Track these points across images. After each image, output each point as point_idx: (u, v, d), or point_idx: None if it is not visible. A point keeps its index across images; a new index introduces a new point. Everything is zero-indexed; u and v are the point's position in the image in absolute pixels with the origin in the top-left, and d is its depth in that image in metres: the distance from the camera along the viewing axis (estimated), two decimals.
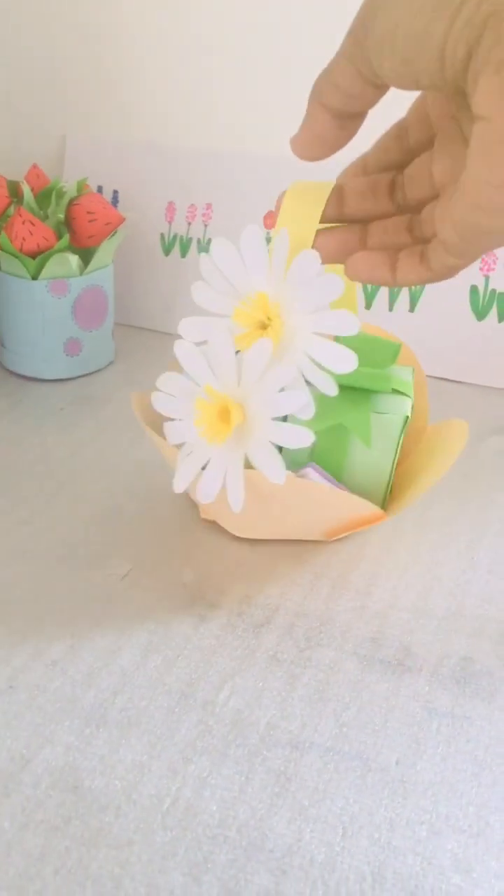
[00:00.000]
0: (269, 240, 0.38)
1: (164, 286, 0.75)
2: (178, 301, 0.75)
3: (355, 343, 0.46)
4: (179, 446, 0.43)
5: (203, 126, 0.73)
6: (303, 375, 0.39)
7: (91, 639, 0.41)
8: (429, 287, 0.68)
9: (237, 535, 0.48)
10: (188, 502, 0.52)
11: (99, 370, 0.69)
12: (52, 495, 0.52)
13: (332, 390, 0.39)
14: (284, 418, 0.42)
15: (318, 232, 0.37)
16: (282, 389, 0.39)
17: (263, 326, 0.40)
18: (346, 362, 0.38)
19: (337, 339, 0.45)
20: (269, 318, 0.40)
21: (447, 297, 0.67)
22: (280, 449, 0.40)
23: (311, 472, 0.45)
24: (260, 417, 0.39)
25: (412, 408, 0.47)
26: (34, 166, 0.67)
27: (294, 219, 0.38)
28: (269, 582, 0.45)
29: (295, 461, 0.47)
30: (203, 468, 0.42)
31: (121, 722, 0.37)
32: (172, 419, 0.43)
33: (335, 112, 0.32)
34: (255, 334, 0.39)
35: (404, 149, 0.37)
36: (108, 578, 0.45)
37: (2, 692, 0.38)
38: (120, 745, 0.36)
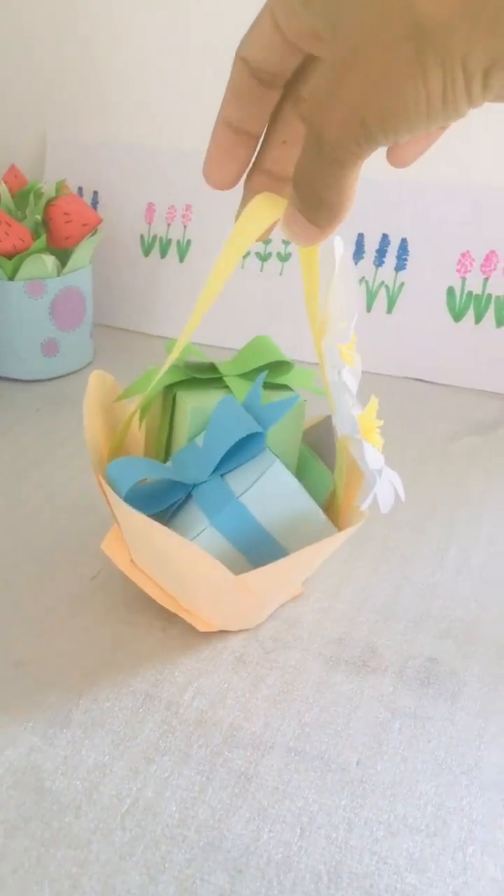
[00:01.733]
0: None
1: (143, 287, 0.76)
2: (157, 302, 0.75)
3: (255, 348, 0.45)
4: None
5: (183, 127, 0.73)
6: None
7: (57, 640, 0.41)
8: (406, 288, 0.68)
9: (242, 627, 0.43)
10: None
11: (77, 370, 0.69)
12: (27, 495, 0.52)
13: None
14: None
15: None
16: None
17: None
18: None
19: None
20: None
21: (424, 298, 0.68)
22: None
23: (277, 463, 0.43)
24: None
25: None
26: (12, 167, 0.67)
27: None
28: None
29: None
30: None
31: (84, 723, 0.37)
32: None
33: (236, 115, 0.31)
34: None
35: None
36: (77, 580, 0.45)
37: None
38: (83, 746, 0.36)
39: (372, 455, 0.37)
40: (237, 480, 0.38)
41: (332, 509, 0.41)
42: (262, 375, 0.40)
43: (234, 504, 0.37)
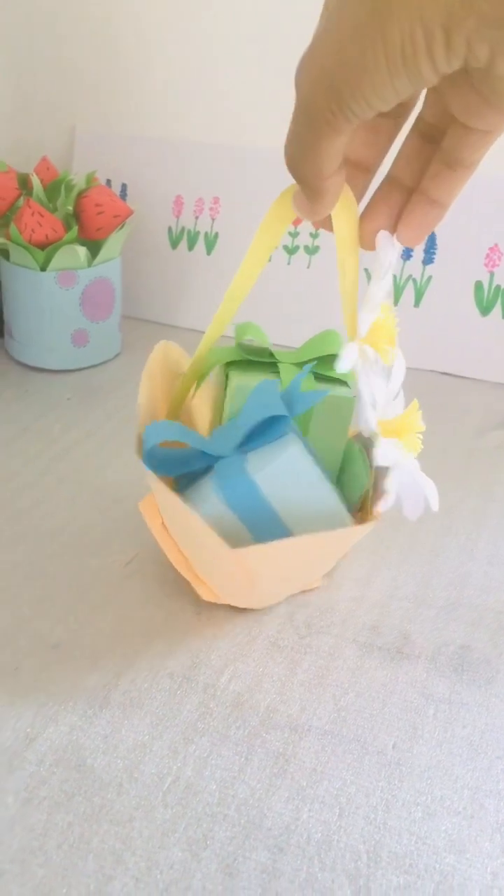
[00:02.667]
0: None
1: (170, 279, 0.76)
2: (185, 294, 0.76)
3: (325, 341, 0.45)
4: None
5: (212, 120, 0.74)
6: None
7: (93, 624, 0.42)
8: (434, 282, 0.68)
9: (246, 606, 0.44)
10: None
11: (105, 362, 0.69)
12: (58, 483, 0.53)
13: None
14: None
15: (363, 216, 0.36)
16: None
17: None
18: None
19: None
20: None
21: (452, 292, 0.68)
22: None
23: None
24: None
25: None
26: (44, 158, 0.67)
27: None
28: None
29: None
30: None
31: (123, 704, 0.37)
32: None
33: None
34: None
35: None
36: (111, 565, 0.46)
37: (7, 673, 0.39)
38: (122, 726, 0.36)
39: (385, 453, 0.36)
40: (256, 458, 0.39)
41: (364, 507, 0.42)
42: (309, 365, 0.41)
43: (244, 478, 0.38)
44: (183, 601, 0.44)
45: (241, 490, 0.38)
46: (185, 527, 0.38)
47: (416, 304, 0.69)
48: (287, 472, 0.38)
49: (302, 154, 0.31)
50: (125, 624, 0.42)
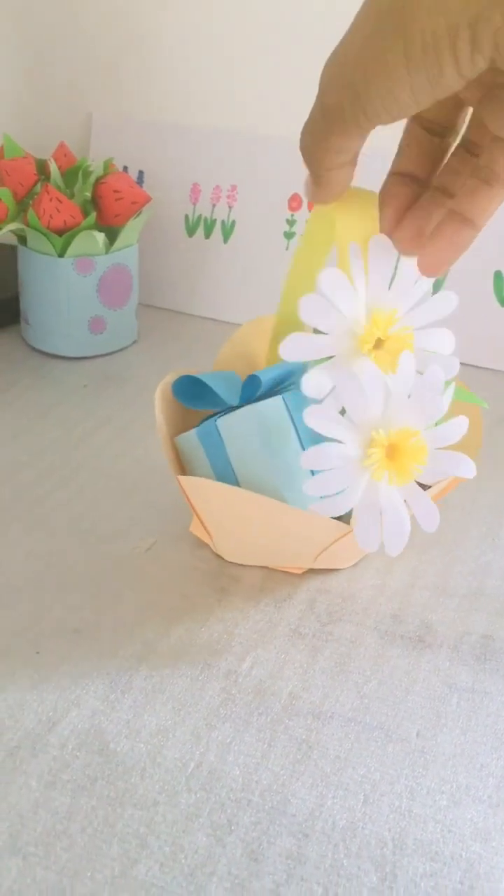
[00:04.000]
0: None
1: (187, 267, 0.76)
2: (201, 282, 0.75)
3: None
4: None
5: (230, 107, 0.73)
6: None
7: (115, 609, 0.42)
8: (452, 273, 0.68)
9: (226, 558, 0.45)
10: None
11: (122, 349, 0.69)
12: (75, 470, 0.53)
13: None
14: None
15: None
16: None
17: (379, 345, 0.36)
18: (453, 367, 0.39)
19: None
20: (383, 333, 0.36)
21: (471, 282, 0.67)
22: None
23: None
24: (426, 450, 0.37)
25: None
26: (62, 144, 0.67)
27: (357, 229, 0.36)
28: None
29: None
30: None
31: (145, 689, 0.37)
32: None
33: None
34: (382, 357, 0.36)
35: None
36: (131, 551, 0.46)
37: (28, 658, 0.39)
38: (145, 711, 0.36)
39: (313, 380, 0.35)
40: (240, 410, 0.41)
41: None
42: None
43: (210, 422, 0.41)
44: (204, 588, 0.43)
45: (209, 431, 0.41)
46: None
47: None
48: (246, 424, 0.40)
49: (312, 144, 0.31)
50: (146, 610, 0.42)
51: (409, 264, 0.36)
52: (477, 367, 0.68)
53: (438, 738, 0.36)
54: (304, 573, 0.44)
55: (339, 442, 0.35)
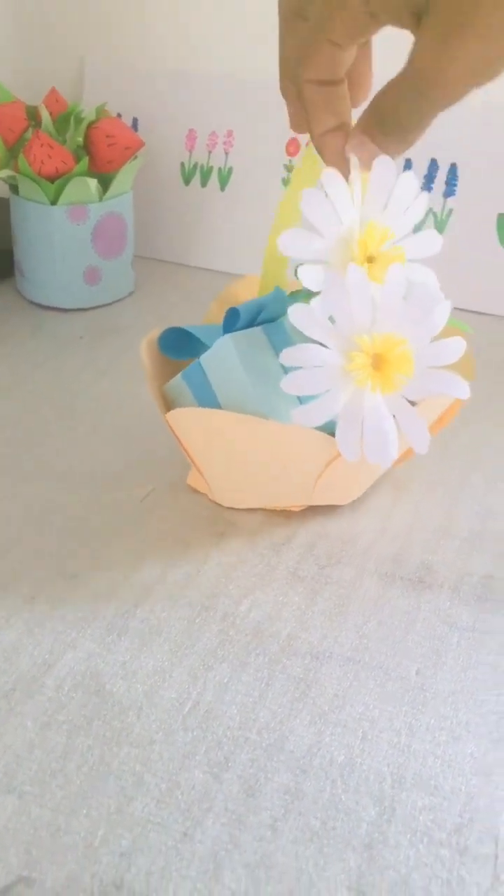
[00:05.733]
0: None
1: (183, 217, 0.74)
2: (199, 232, 0.74)
3: None
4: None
5: (225, 51, 0.71)
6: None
7: (111, 555, 0.41)
8: (455, 216, 0.66)
9: (223, 504, 0.45)
10: None
11: (118, 300, 0.68)
12: (72, 420, 0.52)
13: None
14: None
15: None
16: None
17: (370, 260, 0.36)
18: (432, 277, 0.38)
19: None
20: (376, 248, 0.36)
21: (474, 225, 0.66)
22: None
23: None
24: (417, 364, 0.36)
25: None
26: (53, 90, 0.65)
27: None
28: None
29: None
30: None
31: (142, 631, 0.37)
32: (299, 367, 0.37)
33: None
34: (374, 269, 0.36)
35: None
36: (128, 499, 0.45)
37: (24, 602, 0.38)
38: (141, 653, 0.36)
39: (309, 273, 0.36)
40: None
41: None
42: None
43: (195, 363, 0.41)
44: (201, 534, 0.43)
45: (193, 370, 0.41)
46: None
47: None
48: (228, 360, 0.40)
49: (413, 120, 0.33)
50: (142, 555, 0.41)
51: (404, 190, 0.35)
52: (480, 313, 0.67)
53: (438, 675, 0.35)
54: (303, 514, 0.44)
55: (322, 345, 0.35)
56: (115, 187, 0.63)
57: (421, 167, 0.67)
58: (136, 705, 0.33)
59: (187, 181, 0.74)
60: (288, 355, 0.35)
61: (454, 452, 0.50)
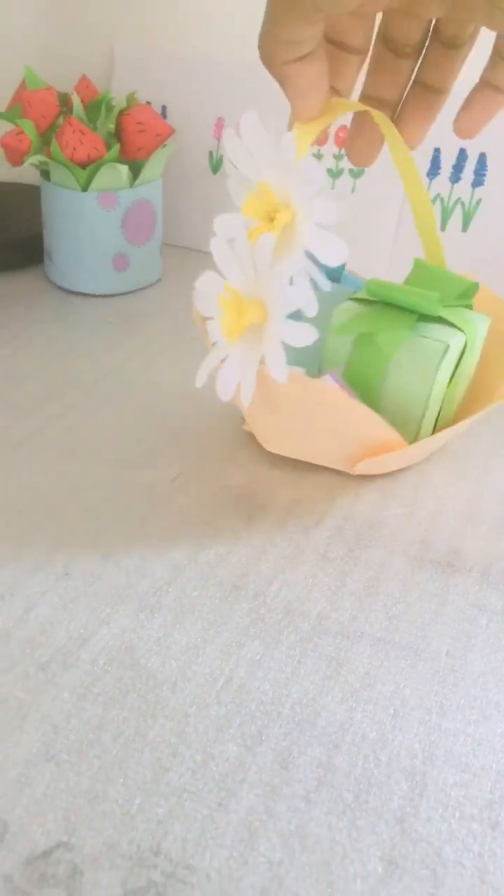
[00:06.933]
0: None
1: (211, 205, 0.75)
2: None
3: (426, 273, 0.46)
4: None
5: (254, 39, 0.71)
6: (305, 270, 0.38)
7: (142, 535, 0.42)
8: (484, 206, 0.66)
9: (266, 448, 0.47)
10: (234, 412, 0.52)
11: (146, 287, 0.68)
12: (101, 404, 0.53)
13: (325, 286, 0.38)
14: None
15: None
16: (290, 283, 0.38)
17: (271, 220, 0.38)
18: (337, 253, 0.36)
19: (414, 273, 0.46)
20: (275, 211, 0.38)
21: (503, 216, 0.66)
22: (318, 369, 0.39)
23: (329, 380, 0.44)
24: (272, 314, 0.38)
25: (472, 355, 0.45)
26: (84, 77, 0.66)
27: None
28: (317, 488, 0.45)
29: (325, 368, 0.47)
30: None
31: (174, 609, 0.37)
32: (211, 318, 0.43)
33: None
34: (263, 228, 0.38)
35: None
36: (158, 481, 0.46)
37: (58, 578, 0.39)
38: (174, 630, 0.36)
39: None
40: None
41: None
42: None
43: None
44: (230, 515, 0.43)
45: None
46: None
47: (465, 228, 0.67)
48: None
49: (264, 40, 0.33)
50: (173, 536, 0.42)
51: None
52: None
53: (468, 657, 0.35)
54: (331, 497, 0.44)
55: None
56: (145, 174, 0.63)
57: (450, 157, 0.67)
58: (171, 680, 0.34)
59: (215, 170, 0.74)
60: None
61: (481, 437, 0.50)
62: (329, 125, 0.37)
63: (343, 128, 0.69)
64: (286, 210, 0.37)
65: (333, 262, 0.36)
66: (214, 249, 0.41)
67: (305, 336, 0.37)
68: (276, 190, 0.37)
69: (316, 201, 0.36)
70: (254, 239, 0.38)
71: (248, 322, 0.39)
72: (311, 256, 0.37)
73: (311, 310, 0.37)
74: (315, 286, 0.38)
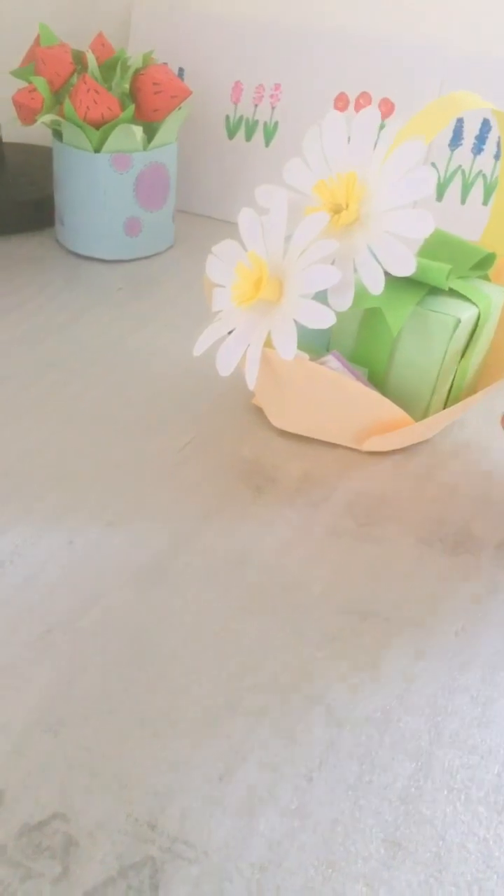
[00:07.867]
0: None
1: (227, 172, 0.73)
2: (242, 187, 0.73)
3: (440, 240, 0.45)
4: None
5: (278, 3, 0.69)
6: (353, 262, 0.39)
7: (148, 504, 0.41)
8: None
9: (274, 424, 0.46)
10: (245, 383, 0.50)
11: (158, 254, 0.67)
12: (109, 371, 0.52)
13: (376, 287, 0.38)
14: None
15: None
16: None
17: (338, 210, 0.40)
18: (405, 266, 0.38)
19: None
20: (347, 202, 0.39)
21: None
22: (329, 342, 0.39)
23: (332, 360, 0.43)
24: (291, 294, 0.38)
25: (486, 328, 0.44)
26: (100, 34, 0.64)
27: (425, 119, 0.39)
28: (328, 462, 0.44)
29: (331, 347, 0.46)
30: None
31: (178, 580, 0.37)
32: (221, 286, 0.42)
33: None
34: (323, 210, 0.39)
35: None
36: (165, 449, 0.45)
37: (61, 547, 0.38)
38: (178, 601, 0.35)
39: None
40: None
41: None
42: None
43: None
44: (238, 486, 0.42)
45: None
46: None
47: (485, 201, 0.65)
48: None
49: None
50: (180, 505, 0.41)
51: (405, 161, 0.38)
52: None
53: (477, 637, 0.35)
54: (341, 473, 0.43)
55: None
56: (160, 137, 0.62)
57: (472, 128, 0.65)
58: (172, 652, 0.33)
59: (232, 135, 0.72)
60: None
61: (492, 418, 0.49)
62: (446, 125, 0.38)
63: (364, 94, 0.67)
64: (356, 205, 0.39)
65: (397, 272, 0.38)
66: (242, 218, 0.41)
67: (321, 318, 0.37)
68: (360, 182, 0.39)
69: (408, 213, 0.38)
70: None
71: (262, 295, 0.39)
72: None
73: (342, 297, 0.39)
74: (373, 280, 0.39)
